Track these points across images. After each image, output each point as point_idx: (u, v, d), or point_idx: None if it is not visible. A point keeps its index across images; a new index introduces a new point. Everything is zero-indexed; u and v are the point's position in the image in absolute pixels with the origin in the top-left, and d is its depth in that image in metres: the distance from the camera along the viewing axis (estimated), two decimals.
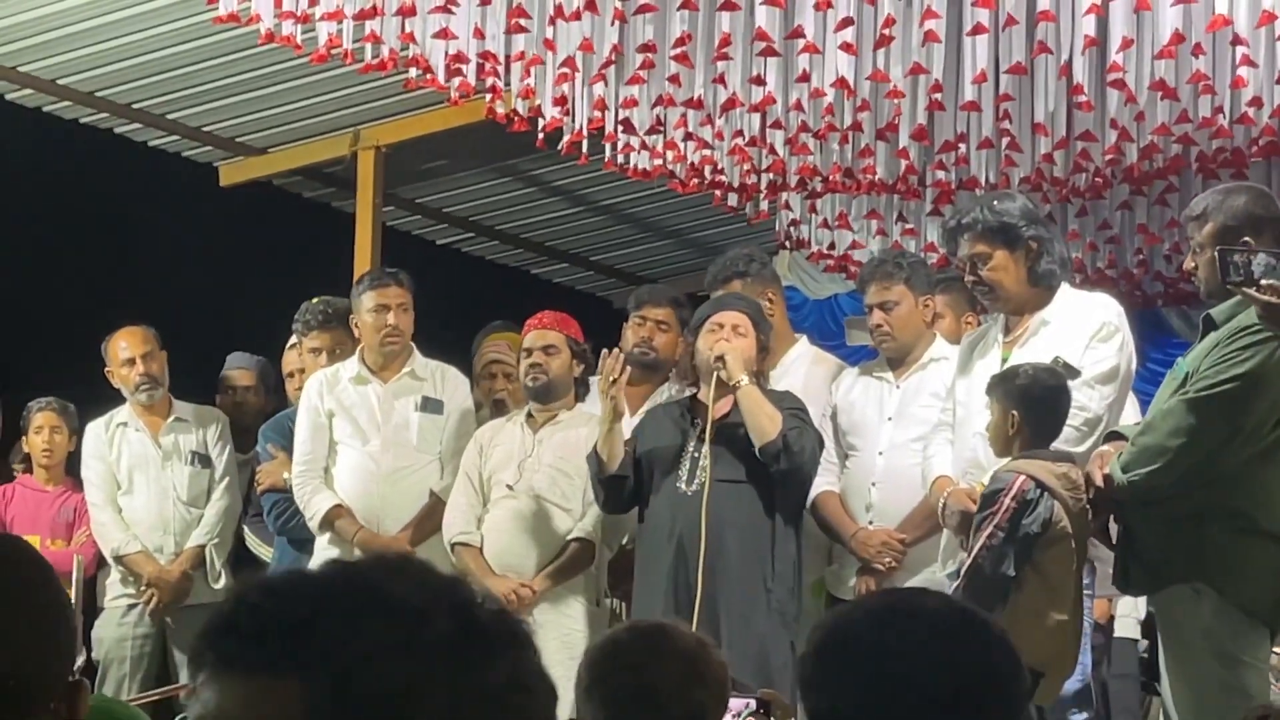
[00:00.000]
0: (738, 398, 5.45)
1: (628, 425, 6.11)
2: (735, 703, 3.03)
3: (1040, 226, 5.29)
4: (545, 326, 6.08)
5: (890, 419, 5.83)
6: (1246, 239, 4.41)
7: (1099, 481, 4.63)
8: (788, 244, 8.76)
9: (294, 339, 6.93)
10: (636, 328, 6.31)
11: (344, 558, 1.89)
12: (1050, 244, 5.25)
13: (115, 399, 7.04)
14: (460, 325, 7.46)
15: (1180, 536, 4.46)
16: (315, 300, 6.85)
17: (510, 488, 5.96)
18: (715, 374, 5.46)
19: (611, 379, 5.57)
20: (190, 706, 1.34)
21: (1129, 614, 6.80)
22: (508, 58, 6.38)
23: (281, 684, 1.28)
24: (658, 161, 7.20)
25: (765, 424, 5.40)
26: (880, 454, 5.82)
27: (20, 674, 1.73)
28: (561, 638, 5.71)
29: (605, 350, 5.80)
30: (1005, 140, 6.43)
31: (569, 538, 5.91)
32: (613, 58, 6.11)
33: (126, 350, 6.90)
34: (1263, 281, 4.13)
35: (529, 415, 6.10)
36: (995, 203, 5.30)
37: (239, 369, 7.55)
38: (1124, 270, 8.41)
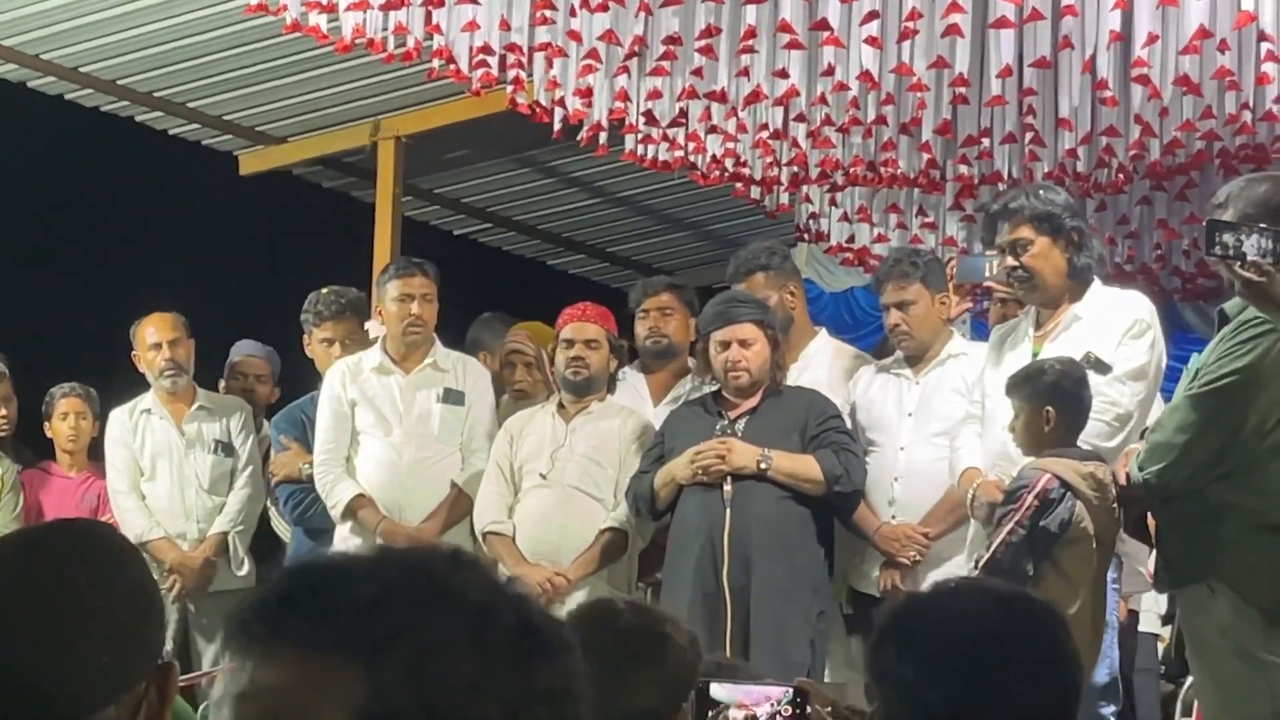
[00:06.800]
0: (769, 479, 5.52)
1: (653, 415, 6.16)
2: (774, 690, 3.01)
3: (1081, 220, 5.31)
4: (588, 319, 6.04)
5: (910, 414, 5.83)
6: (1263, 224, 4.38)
7: (1123, 480, 4.64)
8: (806, 237, 8.75)
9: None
10: (642, 320, 6.36)
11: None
12: (1089, 239, 5.27)
13: (132, 389, 7.03)
14: (477, 315, 7.48)
15: (1195, 534, 4.42)
16: (325, 290, 6.84)
17: (543, 477, 5.94)
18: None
19: (706, 464, 5.55)
20: (227, 681, 1.26)
21: (1150, 609, 6.80)
22: (531, 49, 6.38)
23: (343, 666, 1.23)
24: (678, 153, 7.20)
25: (809, 486, 5.53)
26: (901, 449, 5.80)
27: (113, 657, 1.75)
28: None
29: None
30: (1029, 135, 6.42)
31: (602, 527, 5.89)
32: (636, 49, 6.11)
33: (154, 335, 6.89)
34: (1249, 258, 4.08)
35: (560, 405, 6.09)
36: (1041, 191, 5.34)
37: (252, 357, 7.52)
38: (1142, 265, 8.40)
